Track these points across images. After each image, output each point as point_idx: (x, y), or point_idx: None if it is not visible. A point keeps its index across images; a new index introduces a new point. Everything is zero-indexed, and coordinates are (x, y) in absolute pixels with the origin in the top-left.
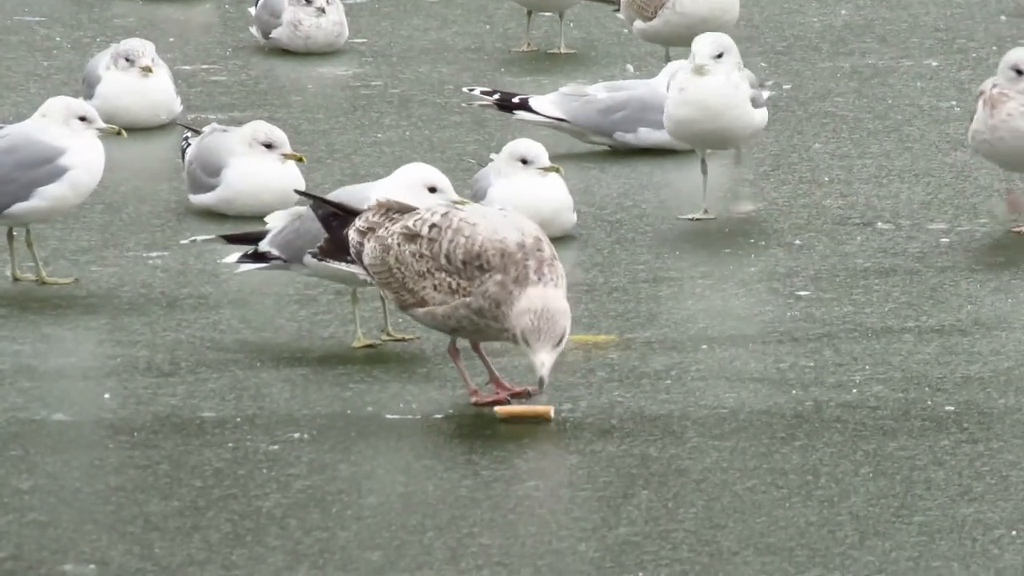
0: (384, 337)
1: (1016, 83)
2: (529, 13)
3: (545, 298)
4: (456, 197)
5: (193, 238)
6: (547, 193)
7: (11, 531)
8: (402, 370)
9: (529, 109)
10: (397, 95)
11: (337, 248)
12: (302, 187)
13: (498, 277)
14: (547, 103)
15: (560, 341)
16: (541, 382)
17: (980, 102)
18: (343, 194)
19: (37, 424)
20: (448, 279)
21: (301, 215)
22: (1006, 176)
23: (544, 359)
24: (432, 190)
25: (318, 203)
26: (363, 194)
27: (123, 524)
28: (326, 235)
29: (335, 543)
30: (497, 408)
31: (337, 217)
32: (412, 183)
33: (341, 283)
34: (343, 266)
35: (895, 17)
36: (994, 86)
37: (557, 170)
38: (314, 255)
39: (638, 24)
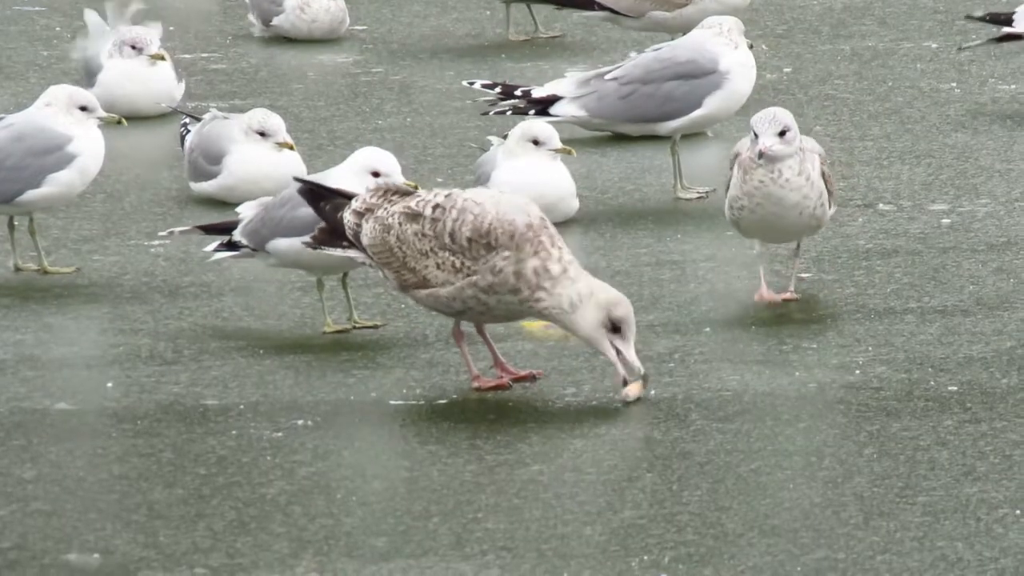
0: (352, 325)
1: (754, 146)
2: (507, 5)
3: (609, 289)
4: (403, 181)
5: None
6: (551, 178)
7: (15, 521)
8: (405, 356)
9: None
10: (398, 82)
11: (331, 234)
12: (303, 174)
13: (506, 254)
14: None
15: None
16: (645, 377)
17: (735, 166)
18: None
19: (40, 413)
20: (452, 258)
21: (267, 204)
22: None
23: (633, 350)
24: (375, 174)
25: (308, 188)
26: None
27: (127, 513)
28: (319, 223)
29: (340, 529)
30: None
31: (326, 201)
32: (358, 168)
33: (305, 271)
34: (338, 252)
35: None
36: (748, 149)
37: (569, 151)
38: (308, 245)
39: (656, 15)
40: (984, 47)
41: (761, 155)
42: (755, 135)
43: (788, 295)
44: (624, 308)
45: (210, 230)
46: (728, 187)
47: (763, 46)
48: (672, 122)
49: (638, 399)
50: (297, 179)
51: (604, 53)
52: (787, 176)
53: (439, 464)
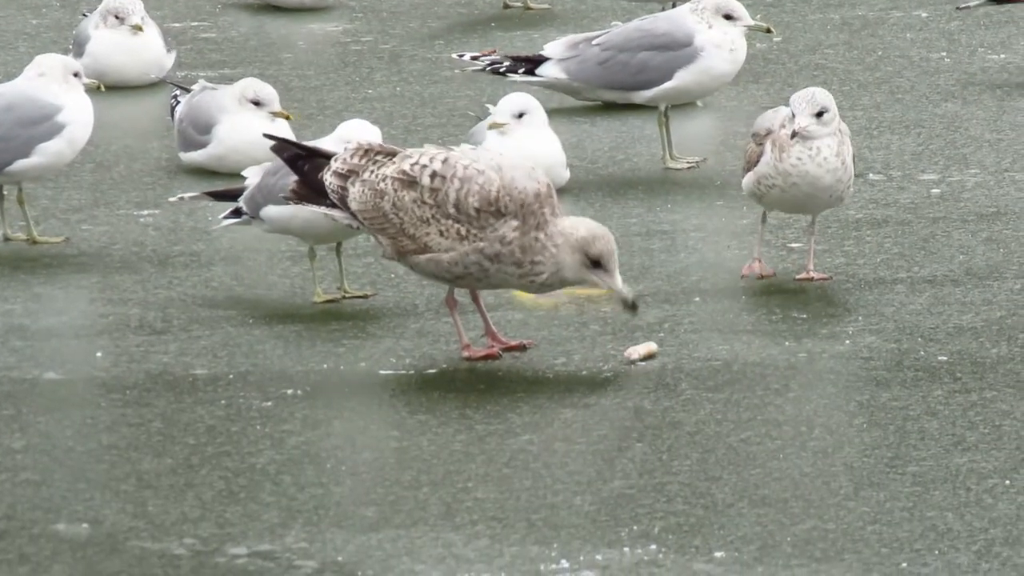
0: (342, 295)
1: (791, 125)
2: None
3: (582, 222)
4: None
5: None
6: (541, 148)
7: (4, 490)
8: (395, 325)
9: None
10: (387, 51)
11: (311, 191)
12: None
13: (514, 223)
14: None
15: None
16: (634, 304)
17: (767, 145)
18: None
19: (29, 383)
20: (456, 226)
21: (267, 171)
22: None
23: (619, 278)
24: None
25: (283, 145)
26: None
27: (116, 482)
28: (296, 179)
29: (329, 499)
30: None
31: (305, 160)
32: (337, 140)
33: (299, 238)
34: (322, 209)
35: None
36: (783, 126)
37: (500, 126)
38: (287, 199)
39: None
40: (982, 8)
41: (794, 135)
42: (792, 113)
43: (809, 275)
44: (600, 244)
45: (219, 196)
46: (753, 163)
47: (771, 31)
48: (646, 91)
49: (649, 356)
50: (268, 136)
51: (594, 22)
52: (825, 155)
53: (429, 434)
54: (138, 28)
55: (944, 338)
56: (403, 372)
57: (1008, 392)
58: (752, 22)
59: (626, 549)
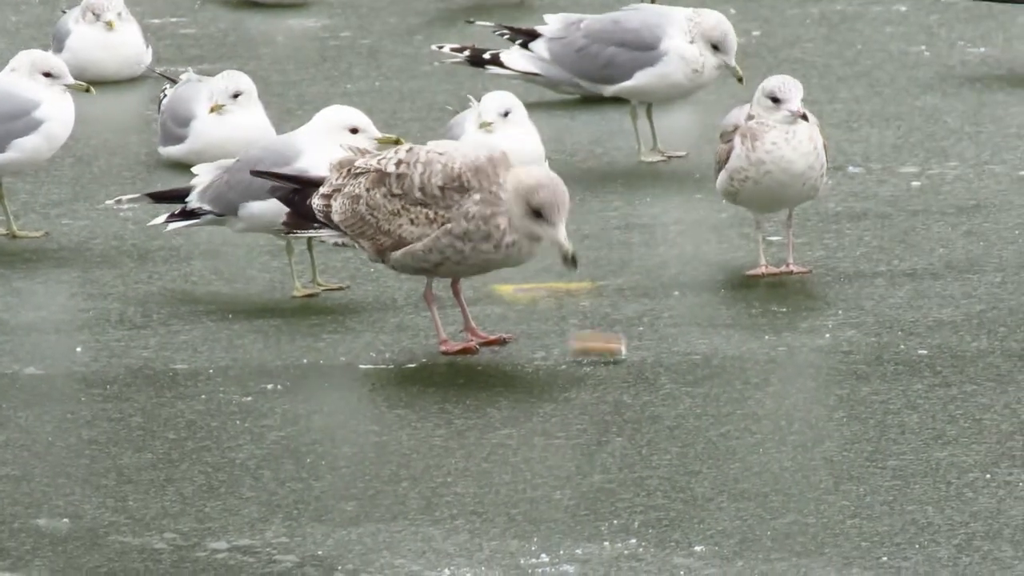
0: (319, 288)
1: (774, 112)
2: None
3: (534, 172)
4: (378, 134)
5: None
6: (520, 142)
7: None
8: (374, 320)
9: (500, 64)
10: (366, 46)
11: (301, 218)
12: (272, 135)
13: (477, 196)
14: (517, 57)
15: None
16: (574, 258)
17: (736, 139)
18: (273, 147)
19: (9, 378)
20: (424, 211)
21: (228, 167)
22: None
23: (563, 232)
24: (354, 131)
25: (276, 181)
26: (289, 144)
27: (96, 477)
28: (287, 209)
29: (309, 494)
30: (574, 343)
31: (297, 192)
32: (333, 126)
33: (276, 235)
34: (312, 233)
35: None
36: (750, 117)
37: (488, 125)
38: (282, 230)
39: None
40: (964, 1)
41: (804, 116)
42: (776, 100)
43: (789, 267)
44: (543, 193)
45: (160, 198)
46: (724, 161)
47: (742, 80)
48: (610, 86)
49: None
50: (256, 173)
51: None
52: (800, 138)
53: (408, 428)
54: (110, 25)
55: (924, 332)
56: (382, 367)
57: (988, 386)
58: (732, 64)
59: (606, 543)
